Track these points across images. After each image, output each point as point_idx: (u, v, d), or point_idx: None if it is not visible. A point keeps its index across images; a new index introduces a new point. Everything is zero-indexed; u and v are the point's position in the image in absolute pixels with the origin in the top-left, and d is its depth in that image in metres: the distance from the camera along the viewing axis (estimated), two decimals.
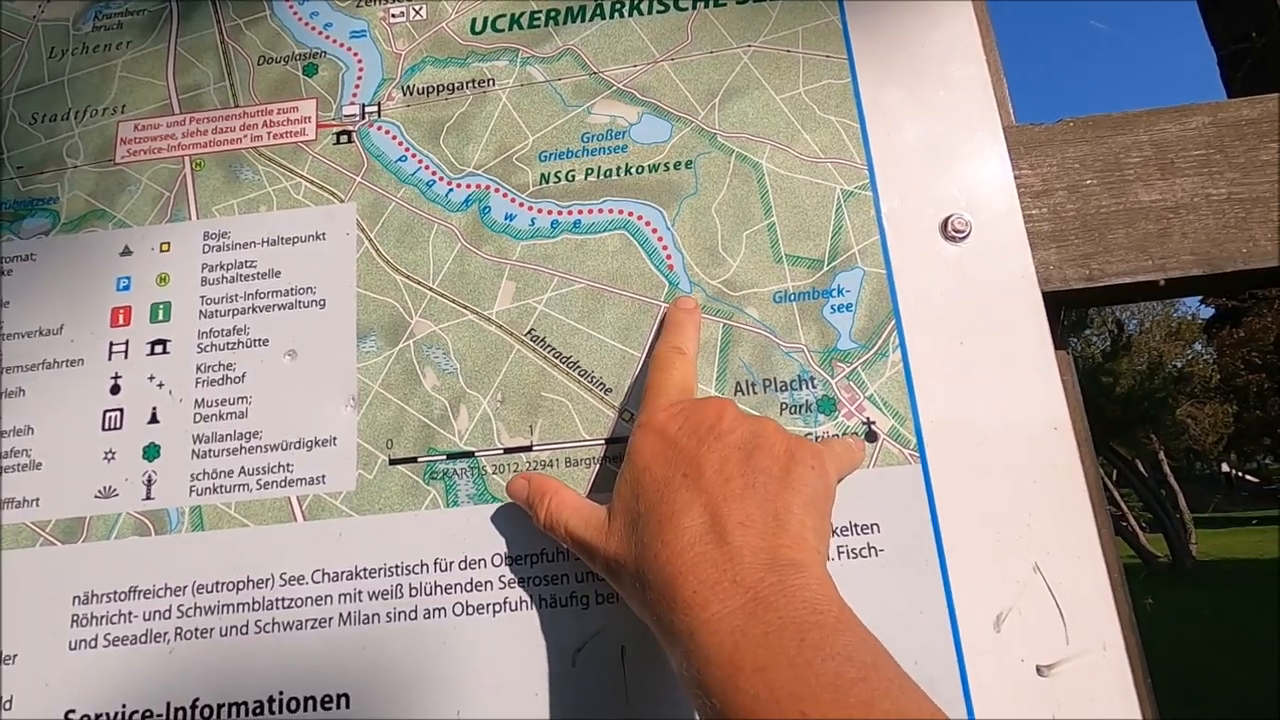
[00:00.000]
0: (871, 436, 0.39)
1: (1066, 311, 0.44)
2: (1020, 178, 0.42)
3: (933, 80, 0.44)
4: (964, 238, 0.41)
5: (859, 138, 0.43)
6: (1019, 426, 0.38)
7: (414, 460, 0.40)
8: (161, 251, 0.45)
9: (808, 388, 0.40)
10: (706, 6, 0.46)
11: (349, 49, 0.47)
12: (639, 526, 0.31)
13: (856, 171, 0.43)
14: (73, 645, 0.39)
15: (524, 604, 0.38)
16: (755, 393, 0.40)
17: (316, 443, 0.41)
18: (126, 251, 0.45)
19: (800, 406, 0.40)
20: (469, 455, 0.40)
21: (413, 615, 0.38)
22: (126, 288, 0.44)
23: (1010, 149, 0.43)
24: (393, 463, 0.40)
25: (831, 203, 0.42)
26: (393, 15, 0.48)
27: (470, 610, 0.38)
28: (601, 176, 0.44)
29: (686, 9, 0.46)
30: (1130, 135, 0.43)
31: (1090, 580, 0.36)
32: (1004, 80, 0.45)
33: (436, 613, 0.38)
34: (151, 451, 0.42)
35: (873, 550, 0.37)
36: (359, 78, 0.47)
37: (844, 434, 0.39)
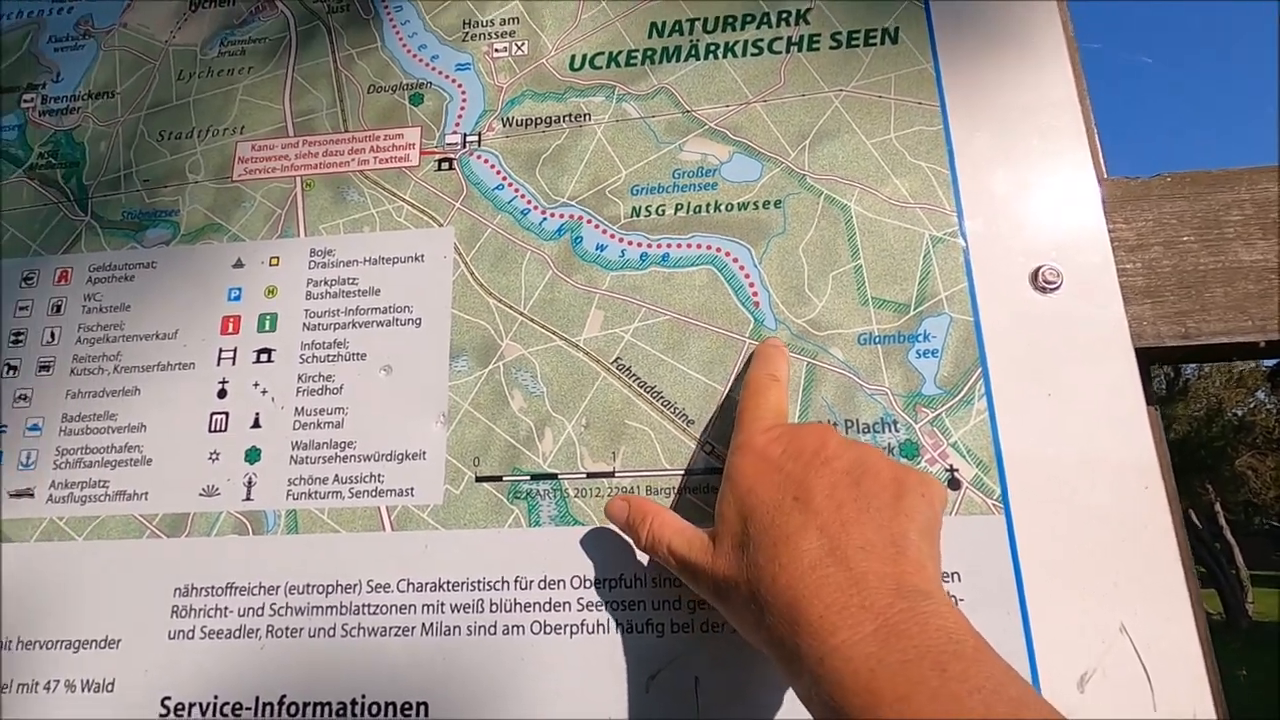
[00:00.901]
0: (954, 484, 0.39)
1: None
2: (1114, 231, 0.42)
3: (1026, 130, 0.44)
4: (1055, 289, 0.41)
5: (949, 184, 0.44)
6: (1108, 483, 0.38)
7: (499, 479, 0.42)
8: (271, 265, 0.47)
9: (890, 430, 0.40)
10: (800, 50, 0.47)
11: (454, 80, 0.50)
12: (749, 548, 0.31)
13: (946, 218, 0.43)
14: (172, 635, 0.41)
15: (600, 627, 0.39)
16: None
17: (407, 456, 0.43)
18: (239, 264, 0.48)
19: (882, 449, 0.40)
20: (552, 477, 0.42)
21: (492, 630, 0.39)
22: (237, 298, 0.47)
23: (1105, 202, 0.42)
24: (479, 480, 0.42)
25: (920, 248, 0.43)
26: (496, 50, 0.50)
27: (548, 629, 0.39)
28: (691, 212, 0.45)
29: (780, 52, 0.47)
30: (1231, 193, 0.42)
31: (1180, 644, 0.35)
32: (1096, 132, 0.45)
33: (515, 629, 0.39)
34: (253, 455, 0.44)
35: (953, 599, 0.37)
36: (462, 108, 0.49)
37: None
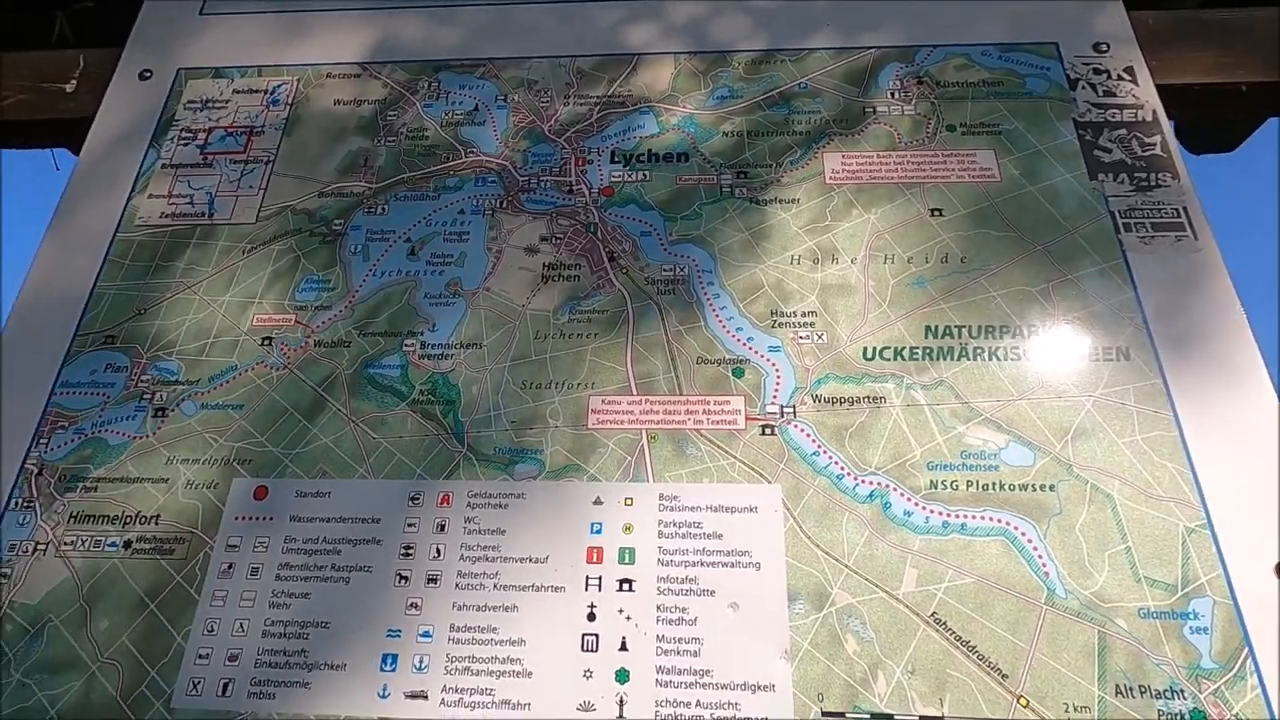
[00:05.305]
0: None
1: None
2: None
3: (1249, 437, 0.56)
4: None
5: (1192, 483, 0.55)
6: None
7: (843, 715, 0.50)
8: (625, 505, 0.58)
9: (1179, 699, 0.49)
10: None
11: (768, 359, 0.62)
12: None
13: (1194, 511, 0.54)
14: None
15: None
16: (1133, 696, 0.49)
17: (759, 687, 0.51)
18: (598, 501, 0.58)
19: (1175, 716, 0.48)
20: (889, 718, 0.50)
21: None
22: (599, 531, 0.57)
23: None
24: (824, 715, 0.50)
25: (1177, 536, 0.53)
26: (800, 337, 0.63)
27: None
28: (980, 489, 0.56)
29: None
30: None
31: None
32: None
33: None
34: (622, 675, 0.52)
35: None
36: (777, 383, 0.61)
37: None
